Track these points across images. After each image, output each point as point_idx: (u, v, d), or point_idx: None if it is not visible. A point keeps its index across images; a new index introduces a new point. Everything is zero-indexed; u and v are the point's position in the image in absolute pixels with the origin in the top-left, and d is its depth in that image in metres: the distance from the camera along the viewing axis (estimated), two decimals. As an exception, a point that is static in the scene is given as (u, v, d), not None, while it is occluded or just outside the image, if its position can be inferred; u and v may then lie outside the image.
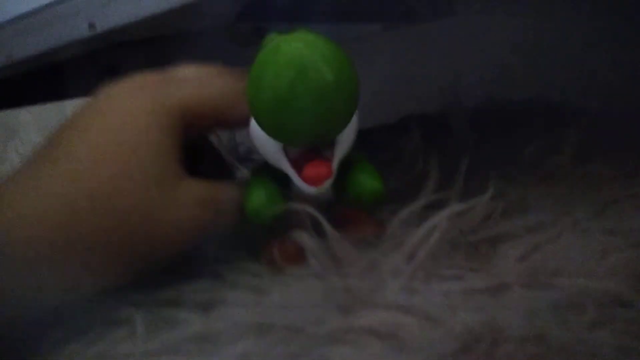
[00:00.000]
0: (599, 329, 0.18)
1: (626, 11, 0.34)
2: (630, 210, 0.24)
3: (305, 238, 0.21)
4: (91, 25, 0.22)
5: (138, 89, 0.21)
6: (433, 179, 0.25)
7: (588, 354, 0.17)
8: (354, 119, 0.22)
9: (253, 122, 0.22)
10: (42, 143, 0.20)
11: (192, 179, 0.21)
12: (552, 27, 0.37)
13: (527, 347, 0.17)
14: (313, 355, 0.18)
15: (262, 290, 0.20)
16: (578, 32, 0.37)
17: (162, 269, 0.21)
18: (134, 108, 0.20)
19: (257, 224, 0.22)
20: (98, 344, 0.18)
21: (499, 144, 0.30)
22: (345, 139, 0.22)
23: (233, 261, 0.22)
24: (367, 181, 0.23)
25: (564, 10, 0.36)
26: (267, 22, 0.31)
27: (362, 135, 0.23)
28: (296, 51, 0.19)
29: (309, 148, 0.21)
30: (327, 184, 0.21)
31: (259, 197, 0.22)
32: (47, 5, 0.24)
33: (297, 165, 0.21)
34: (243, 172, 0.30)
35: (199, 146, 0.26)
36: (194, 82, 0.22)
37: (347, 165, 0.23)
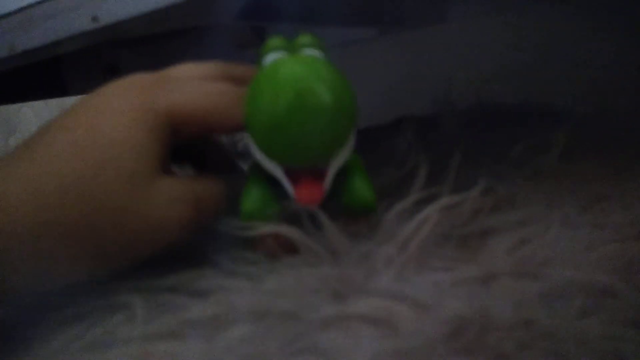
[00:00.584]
0: (586, 318, 0.18)
1: (616, 15, 0.35)
2: (617, 206, 0.25)
3: (296, 234, 0.21)
4: (94, 18, 0.22)
5: (130, 89, 0.21)
6: (424, 174, 0.25)
7: (576, 340, 0.17)
8: (351, 136, 0.22)
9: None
10: (30, 135, 0.21)
11: (173, 178, 0.21)
12: (542, 32, 0.38)
13: (516, 333, 0.18)
14: (307, 340, 0.18)
15: (258, 278, 0.20)
16: (568, 37, 0.38)
17: (160, 258, 0.21)
18: (120, 107, 0.21)
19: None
20: (97, 328, 0.18)
21: (489, 143, 0.30)
22: (341, 155, 0.22)
23: (230, 250, 0.22)
24: (359, 192, 0.23)
25: (555, 15, 0.37)
26: (266, 22, 0.32)
27: (356, 135, 0.24)
28: (295, 74, 0.20)
29: None
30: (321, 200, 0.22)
31: (254, 202, 0.22)
32: (50, -3, 0.25)
33: (292, 177, 0.21)
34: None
35: (205, 145, 0.27)
36: (187, 85, 0.22)
37: (342, 169, 0.23)
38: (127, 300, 0.19)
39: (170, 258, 0.21)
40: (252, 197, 0.22)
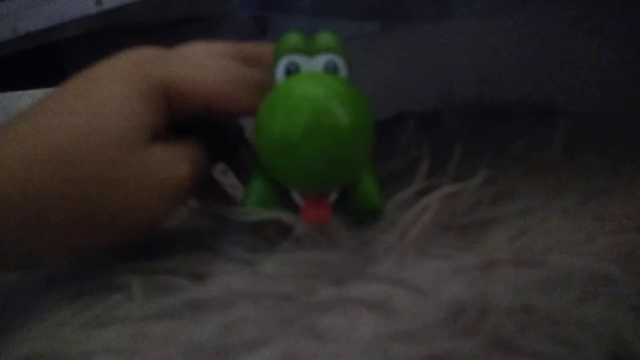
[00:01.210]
0: (586, 303, 0.18)
1: (617, 15, 0.35)
2: (617, 199, 0.25)
3: (297, 221, 0.21)
4: (98, 2, 0.22)
5: (129, 60, 0.21)
6: (426, 165, 0.25)
7: (575, 325, 0.17)
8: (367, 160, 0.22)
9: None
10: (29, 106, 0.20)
11: (166, 143, 0.21)
12: (543, 31, 0.38)
13: (515, 317, 0.18)
14: (304, 322, 0.18)
15: (256, 263, 0.20)
16: (570, 35, 0.38)
17: (159, 242, 0.21)
18: (114, 76, 0.20)
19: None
20: (94, 307, 0.18)
21: (490, 138, 0.31)
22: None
23: (228, 235, 0.22)
24: (367, 198, 0.22)
25: (555, 14, 0.37)
26: (268, 13, 0.32)
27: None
28: (311, 93, 0.19)
29: None
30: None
31: (257, 198, 0.22)
32: (54, -19, 0.25)
33: None
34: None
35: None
36: (189, 60, 0.22)
37: None
38: (126, 281, 0.19)
39: (170, 242, 0.21)
40: (256, 194, 0.22)
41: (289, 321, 0.18)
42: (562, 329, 0.17)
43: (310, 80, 0.20)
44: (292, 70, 0.21)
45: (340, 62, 0.21)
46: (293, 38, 0.22)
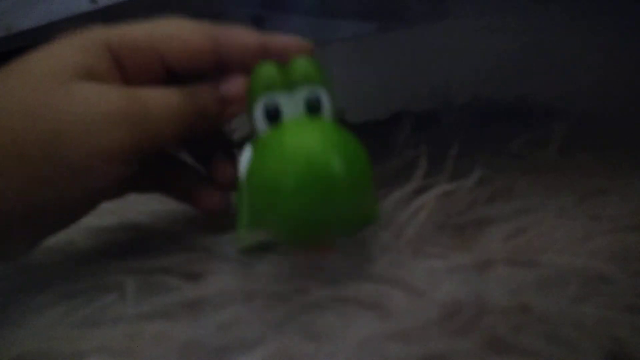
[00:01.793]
0: (582, 302, 0.18)
1: (615, 15, 0.35)
2: (614, 199, 0.25)
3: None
4: (93, 0, 0.22)
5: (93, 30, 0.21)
6: (424, 164, 0.25)
7: (572, 324, 0.17)
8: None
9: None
10: None
11: (107, 84, 0.20)
12: (542, 30, 0.39)
13: (511, 317, 0.18)
14: (298, 321, 0.18)
15: (250, 263, 0.20)
16: (568, 35, 0.38)
17: (153, 241, 0.21)
18: (67, 40, 0.21)
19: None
20: (86, 307, 0.18)
21: (487, 137, 0.30)
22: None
23: (222, 236, 0.22)
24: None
25: (553, 14, 0.37)
26: (265, 11, 0.32)
27: (357, 128, 0.24)
28: (304, 142, 0.18)
29: None
30: None
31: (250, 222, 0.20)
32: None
33: None
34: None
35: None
36: (142, 23, 0.21)
37: None
38: (119, 280, 0.19)
39: (164, 241, 0.21)
40: (248, 217, 0.20)
41: (283, 321, 0.18)
42: (558, 328, 0.17)
43: (303, 128, 0.19)
44: (271, 112, 0.20)
45: (323, 93, 0.21)
46: (267, 71, 0.20)
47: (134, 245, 0.20)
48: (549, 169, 0.28)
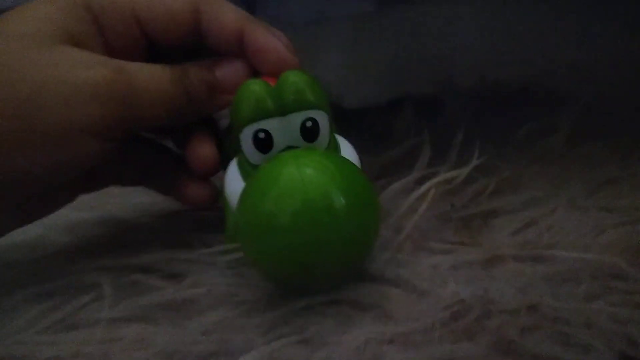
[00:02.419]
0: (594, 300, 0.17)
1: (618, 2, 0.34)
2: (625, 190, 0.24)
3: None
4: None
5: None
6: (427, 153, 0.24)
7: (583, 323, 0.16)
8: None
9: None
10: None
11: (88, 50, 0.19)
12: (551, 12, 0.37)
13: (520, 318, 0.17)
14: (291, 325, 0.17)
15: (239, 267, 0.19)
16: (574, 19, 0.36)
17: (132, 238, 0.20)
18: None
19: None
20: (60, 310, 0.17)
21: (492, 125, 0.29)
22: None
23: (209, 239, 0.20)
24: None
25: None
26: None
27: (355, 115, 0.22)
28: (302, 177, 0.16)
29: None
30: None
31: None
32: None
33: None
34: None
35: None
36: None
37: None
38: (95, 280, 0.18)
39: (145, 238, 0.20)
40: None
41: (274, 326, 0.16)
42: (568, 328, 0.16)
43: (301, 161, 0.17)
44: (263, 140, 0.18)
45: (319, 116, 0.19)
46: (256, 93, 0.18)
47: (113, 242, 0.19)
48: (557, 158, 0.27)
